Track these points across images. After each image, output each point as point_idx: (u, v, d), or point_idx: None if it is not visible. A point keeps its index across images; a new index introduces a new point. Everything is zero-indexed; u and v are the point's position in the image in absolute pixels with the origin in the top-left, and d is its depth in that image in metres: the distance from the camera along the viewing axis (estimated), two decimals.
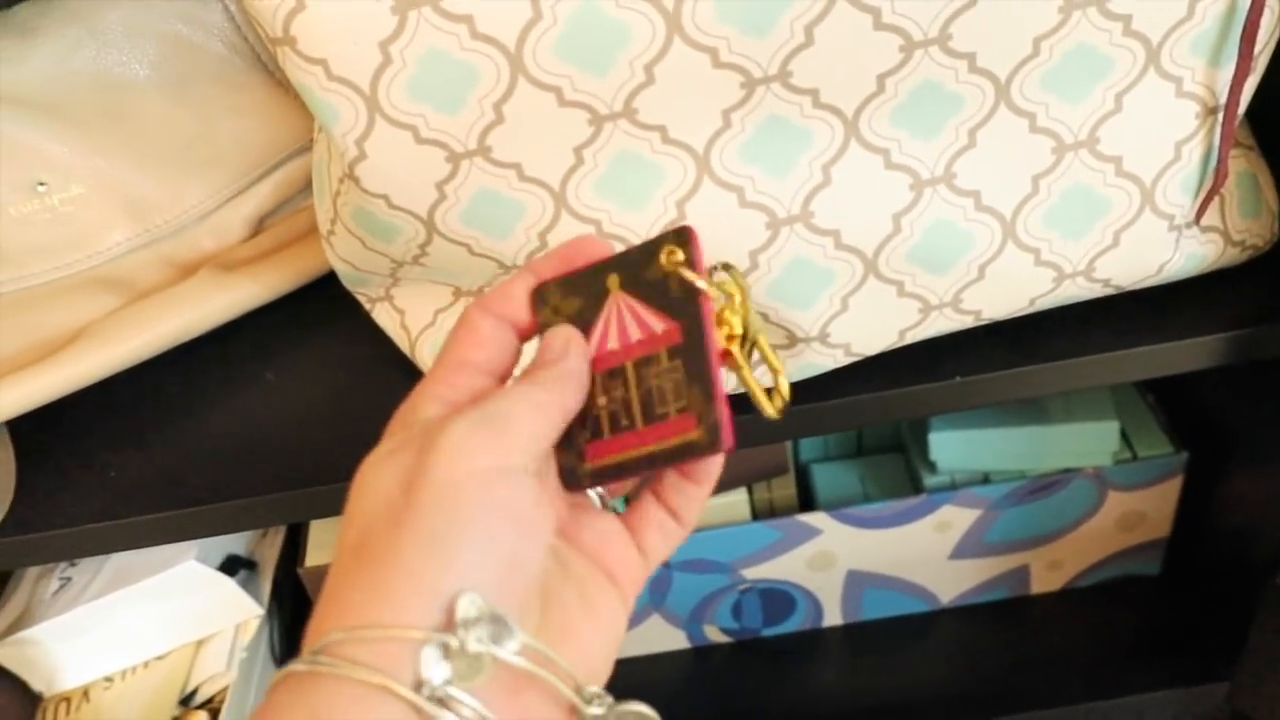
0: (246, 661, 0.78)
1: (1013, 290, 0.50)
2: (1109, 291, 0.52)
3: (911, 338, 0.52)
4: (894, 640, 0.80)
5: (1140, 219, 0.49)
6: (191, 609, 0.76)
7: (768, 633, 0.81)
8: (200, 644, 0.78)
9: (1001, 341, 0.55)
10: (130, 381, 0.64)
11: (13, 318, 0.65)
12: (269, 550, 0.82)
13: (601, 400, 0.37)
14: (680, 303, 0.35)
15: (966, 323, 0.52)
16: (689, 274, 0.35)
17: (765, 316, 0.50)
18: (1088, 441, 0.72)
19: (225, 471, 0.57)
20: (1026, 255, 0.49)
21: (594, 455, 0.37)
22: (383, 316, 0.61)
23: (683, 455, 0.35)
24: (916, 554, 0.77)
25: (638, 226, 0.47)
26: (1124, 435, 0.74)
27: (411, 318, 0.59)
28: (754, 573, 0.77)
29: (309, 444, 0.58)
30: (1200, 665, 0.72)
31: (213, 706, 0.75)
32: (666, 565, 0.75)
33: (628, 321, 0.37)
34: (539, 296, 0.38)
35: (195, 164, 0.67)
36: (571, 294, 0.38)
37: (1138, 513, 0.76)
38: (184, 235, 0.69)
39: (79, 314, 0.65)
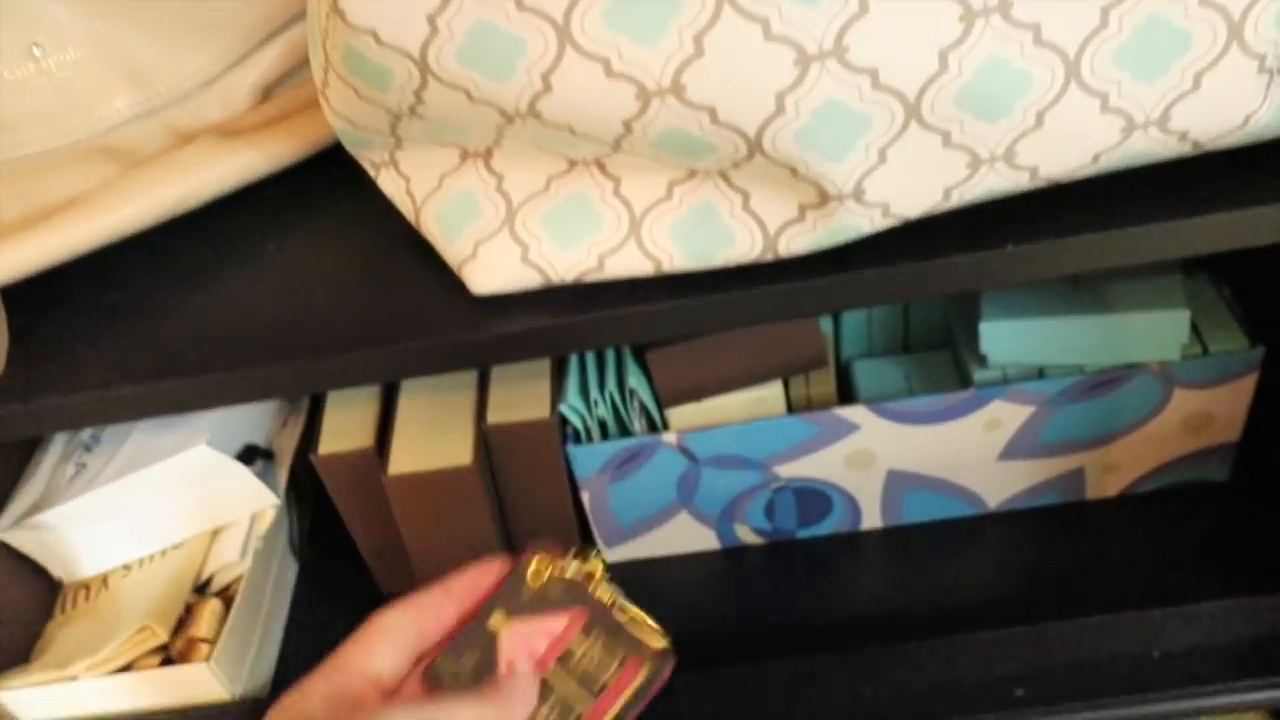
0: (263, 552, 0.77)
1: (1075, 143, 0.45)
2: (1185, 150, 0.46)
3: (958, 198, 0.47)
4: (936, 545, 0.75)
5: (1225, 58, 0.43)
6: (207, 497, 0.74)
7: (802, 534, 0.78)
8: (216, 533, 0.76)
9: (1060, 207, 0.49)
10: (128, 252, 0.61)
11: (10, 186, 0.62)
12: (287, 441, 0.80)
13: (543, 712, 0.43)
14: (568, 595, 0.45)
15: (1021, 182, 0.46)
16: (567, 570, 0.46)
17: (794, 171, 0.45)
18: (1155, 333, 0.66)
19: (227, 343, 0.54)
20: (1092, 100, 0.43)
21: None
22: (388, 184, 0.57)
23: (646, 692, 0.45)
24: (963, 454, 0.72)
25: (651, 64, 0.42)
26: (1194, 328, 0.68)
27: (417, 184, 0.55)
28: (788, 470, 0.73)
29: (313, 315, 0.55)
30: (1268, 575, 0.67)
31: (228, 595, 0.74)
32: (694, 460, 0.72)
33: (530, 640, 0.44)
34: (431, 676, 0.45)
35: (198, 27, 0.63)
36: (463, 654, 0.44)
37: (1205, 413, 0.70)
38: (188, 104, 0.65)
39: (80, 184, 0.62)
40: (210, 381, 0.53)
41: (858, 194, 0.45)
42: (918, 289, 0.50)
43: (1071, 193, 0.49)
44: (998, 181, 0.46)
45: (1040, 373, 0.69)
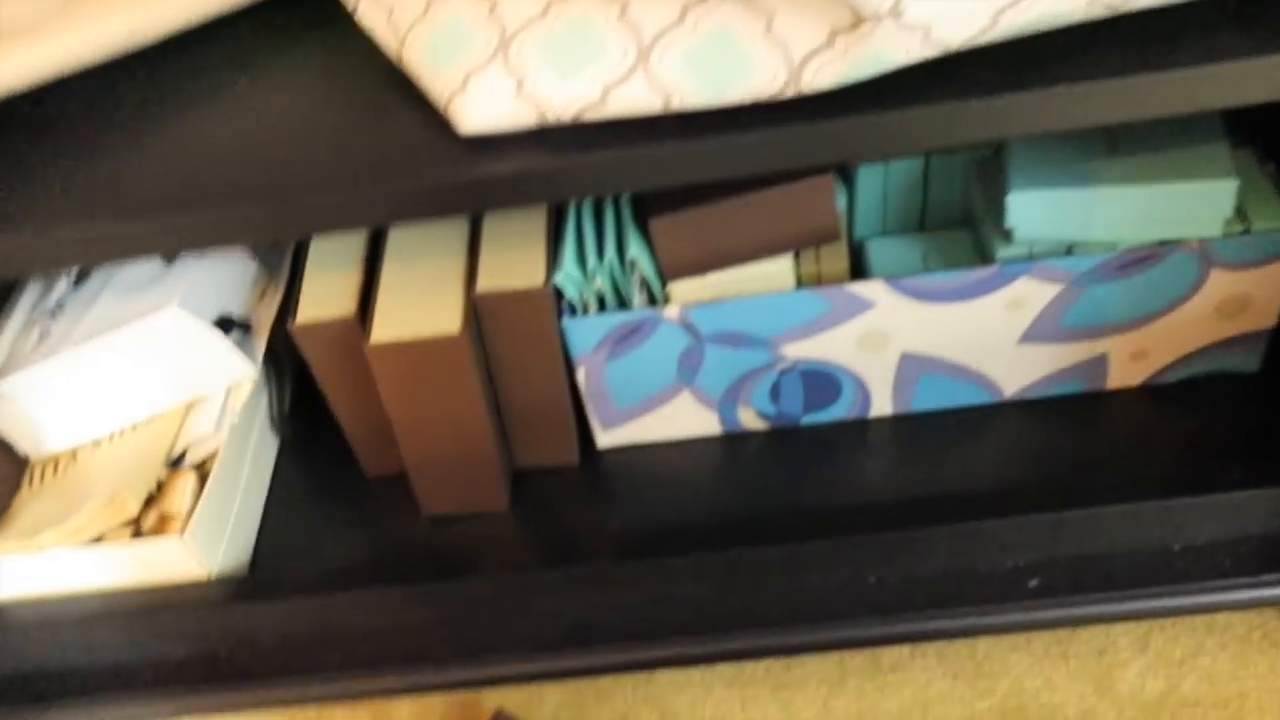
0: (240, 427, 0.73)
1: None
2: None
3: (1007, 24, 0.42)
4: (948, 434, 0.72)
5: None
6: (179, 367, 0.70)
7: (808, 420, 0.74)
8: (190, 406, 0.72)
9: (1119, 44, 0.44)
10: (80, 90, 0.56)
11: None
12: (264, 312, 0.75)
13: None
14: None
15: (1078, 8, 0.41)
16: None
17: None
18: (1197, 205, 0.61)
19: (195, 183, 0.49)
20: None
21: None
22: (368, 16, 0.52)
23: None
24: (982, 336, 0.68)
25: None
26: (1237, 204, 0.63)
27: (401, 13, 0.50)
28: (796, 350, 0.68)
29: (289, 156, 0.50)
30: None
31: (203, 471, 0.70)
32: (697, 336, 0.67)
33: None
34: None
35: None
36: None
37: (1242, 297, 0.66)
38: None
39: (21, 9, 0.56)
40: (177, 223, 0.49)
41: (896, 13, 0.40)
42: (950, 132, 0.45)
43: (1129, 27, 0.44)
44: (1052, 5, 0.41)
45: (1069, 250, 0.65)
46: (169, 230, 0.48)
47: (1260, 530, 0.64)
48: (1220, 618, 0.70)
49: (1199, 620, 0.70)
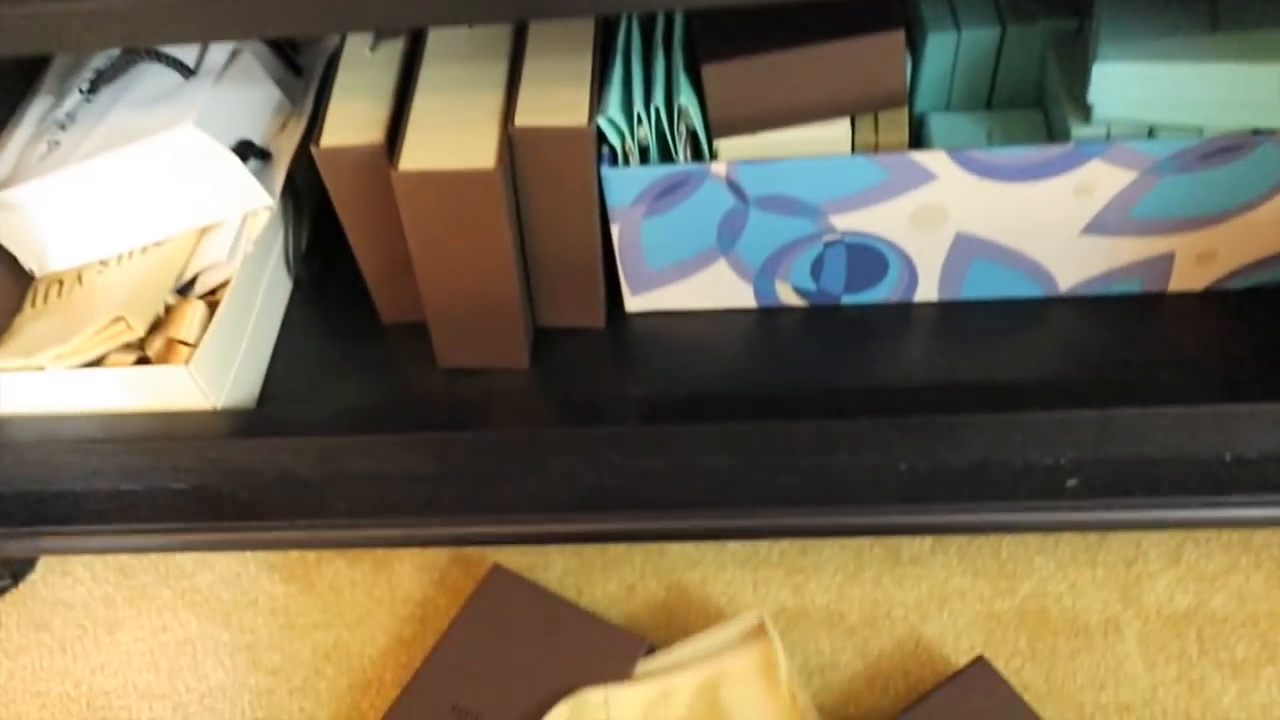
0: (254, 259, 0.69)
1: None
2: None
3: None
4: (995, 325, 0.68)
5: None
6: (193, 190, 0.66)
7: (848, 300, 0.70)
8: (204, 232, 0.69)
9: None
10: None
11: None
12: (285, 143, 0.71)
13: None
14: None
15: None
16: None
17: None
18: None
19: None
20: None
21: None
22: None
23: None
24: (1044, 222, 0.64)
25: None
26: None
27: None
28: (846, 222, 0.65)
29: None
30: None
31: (213, 301, 0.67)
32: (743, 197, 0.63)
33: None
34: None
35: None
36: None
37: None
38: None
39: None
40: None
41: None
42: None
43: None
44: None
45: (1150, 132, 0.60)
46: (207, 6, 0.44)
47: None
48: (1258, 535, 0.68)
49: (1235, 536, 0.68)
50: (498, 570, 0.70)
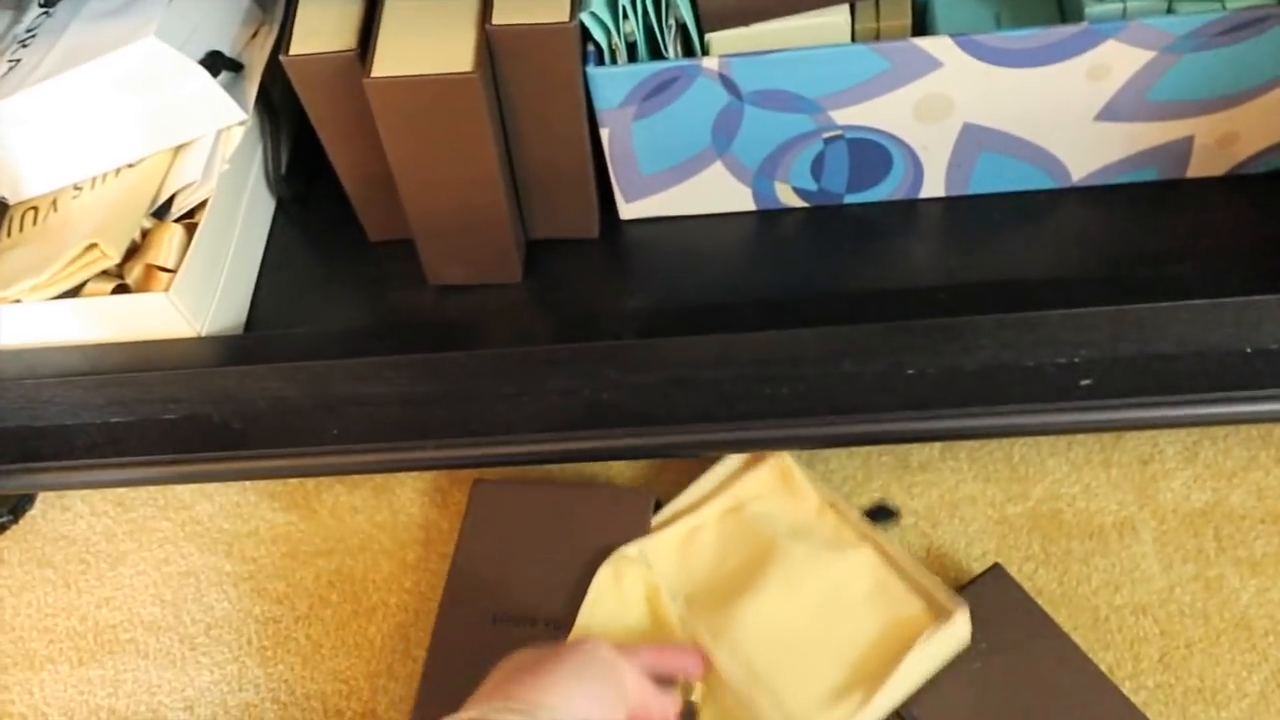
0: (231, 177, 0.67)
1: None
2: None
3: None
4: (1006, 220, 0.65)
5: None
6: (162, 107, 0.63)
7: (851, 200, 0.67)
8: (178, 151, 0.66)
9: None
10: None
11: None
12: (257, 54, 0.68)
13: None
14: None
15: None
16: None
17: None
18: None
19: None
20: None
21: None
22: None
23: None
24: (1055, 108, 0.61)
25: None
26: None
27: None
28: (846, 116, 0.61)
29: None
30: None
31: (192, 225, 0.65)
32: (737, 94, 0.60)
33: None
34: None
35: None
36: None
37: None
38: None
39: None
40: None
41: None
42: None
43: None
44: None
45: (1169, 8, 0.57)
46: None
47: None
48: (1278, 432, 0.66)
49: (1254, 432, 0.66)
50: (480, 484, 0.68)
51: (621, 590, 0.63)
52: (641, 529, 0.65)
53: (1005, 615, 0.59)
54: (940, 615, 0.58)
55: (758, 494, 0.65)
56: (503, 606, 0.63)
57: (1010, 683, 0.56)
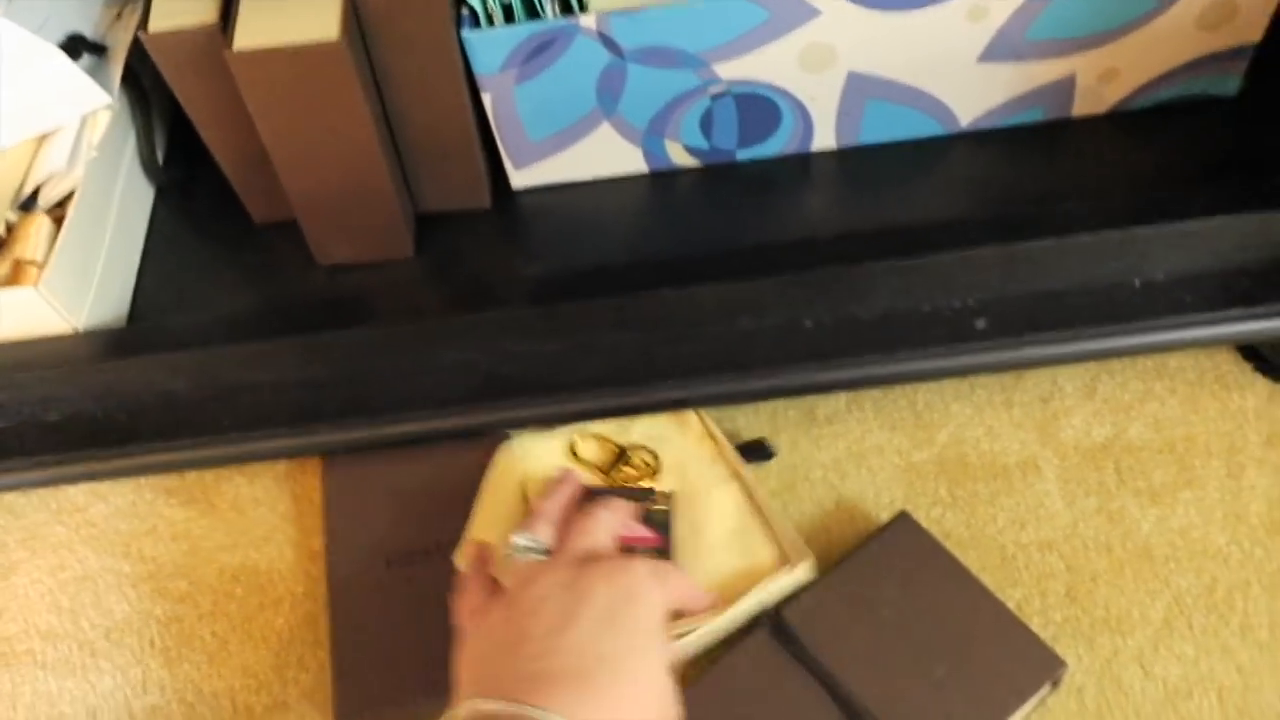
0: (101, 167, 0.64)
1: None
2: None
3: None
4: (897, 169, 0.65)
5: None
6: (20, 92, 0.60)
7: (743, 156, 0.67)
8: (42, 140, 0.63)
9: None
10: None
11: None
12: (121, 35, 0.65)
13: None
14: (659, 525, 0.60)
15: None
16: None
17: None
18: None
19: None
20: None
21: None
22: None
23: None
24: (938, 53, 0.60)
25: None
26: None
27: None
28: (730, 70, 0.61)
29: None
30: (1271, 192, 0.58)
31: (61, 213, 0.62)
32: (618, 52, 0.59)
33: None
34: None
35: None
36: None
37: (1228, 3, 0.59)
38: None
39: None
40: None
41: None
42: None
43: None
44: None
45: None
46: None
47: (1223, 264, 0.60)
48: (1172, 361, 0.67)
49: (1150, 364, 0.67)
50: (329, 462, 0.67)
51: (510, 476, 0.63)
52: (487, 458, 0.64)
53: (915, 562, 0.59)
54: (787, 563, 0.59)
55: (647, 420, 0.66)
56: (393, 549, 0.62)
57: (917, 624, 0.56)
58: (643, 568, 0.50)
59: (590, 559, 0.51)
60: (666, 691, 0.47)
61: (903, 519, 0.61)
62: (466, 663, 0.49)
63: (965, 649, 0.56)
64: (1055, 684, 0.56)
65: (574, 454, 0.64)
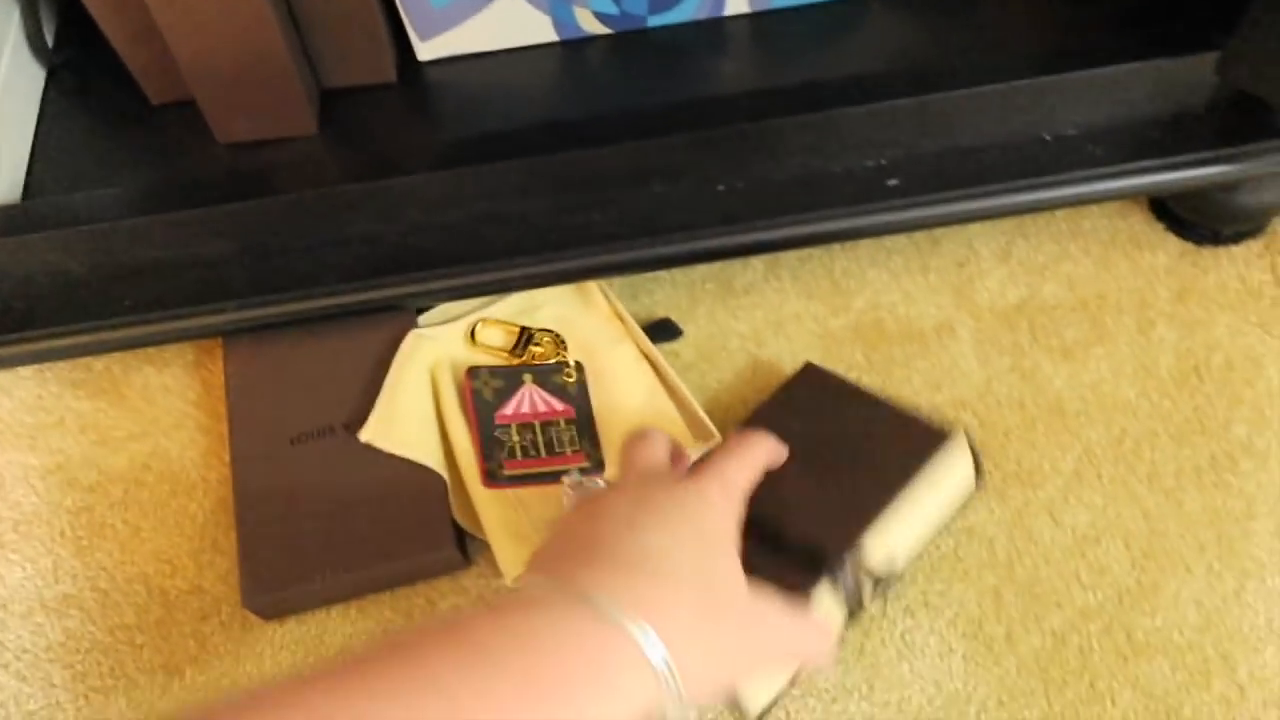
0: None
1: None
2: None
3: None
4: (810, 30, 0.64)
5: None
6: None
7: (655, 22, 0.65)
8: None
9: None
10: None
11: None
12: None
13: (516, 438, 0.60)
14: (573, 397, 0.62)
15: None
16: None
17: None
18: None
19: None
20: None
21: (511, 467, 0.59)
22: None
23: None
24: None
25: None
26: None
27: None
28: None
29: None
30: (1187, 35, 0.58)
31: None
32: None
33: (536, 401, 0.61)
34: (472, 373, 0.61)
35: None
36: (496, 378, 0.62)
37: None
38: None
39: None
40: None
41: None
42: None
43: None
44: None
45: None
46: None
47: (1133, 114, 0.60)
48: (1086, 222, 0.67)
49: (1064, 226, 0.67)
50: (229, 343, 0.65)
51: (417, 364, 0.62)
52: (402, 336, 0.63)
53: (818, 398, 0.57)
54: (700, 438, 0.60)
55: (553, 297, 0.65)
56: (296, 429, 0.61)
57: (822, 448, 0.55)
58: (712, 484, 0.46)
59: (655, 477, 0.48)
60: (740, 595, 0.43)
61: (807, 367, 0.60)
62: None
63: (860, 450, 0.55)
64: (979, 474, 0.56)
65: (473, 339, 0.64)
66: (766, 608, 0.44)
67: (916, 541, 0.55)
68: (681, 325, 0.66)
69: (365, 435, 0.59)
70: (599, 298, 0.65)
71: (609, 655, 0.38)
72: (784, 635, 0.45)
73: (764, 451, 0.50)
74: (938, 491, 0.55)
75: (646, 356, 0.63)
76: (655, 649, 0.38)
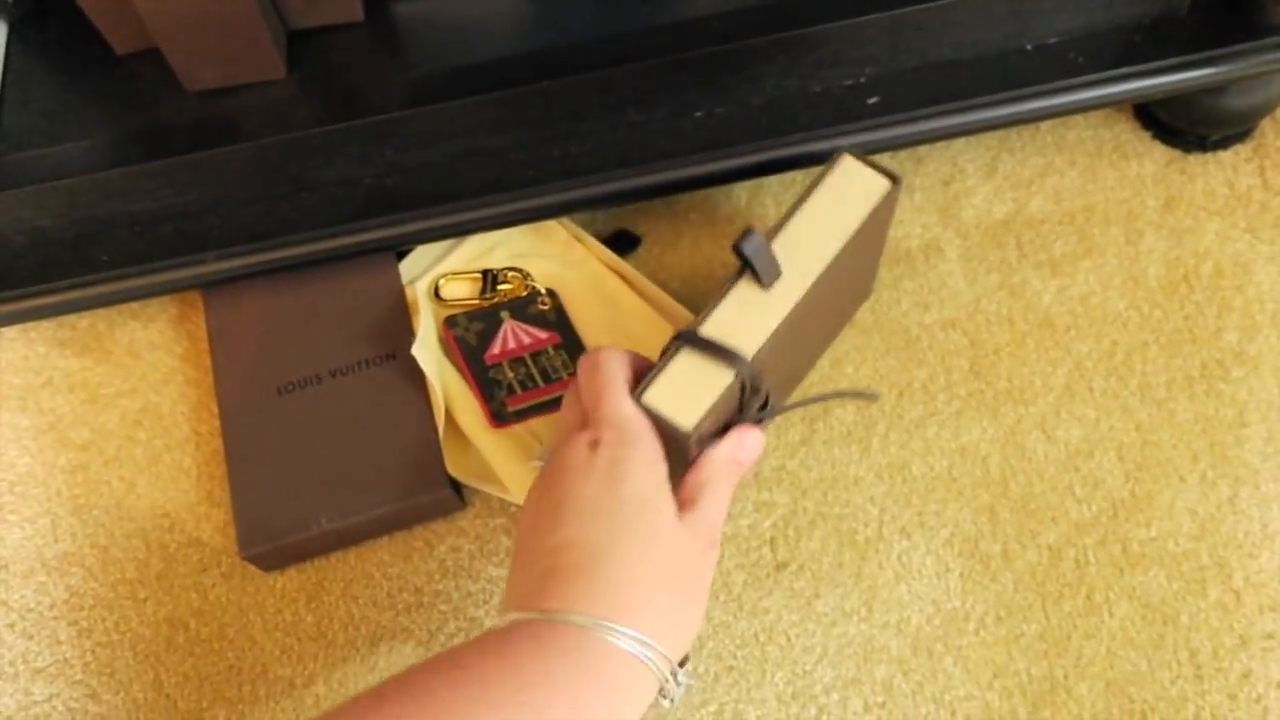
0: None
1: None
2: None
3: None
4: None
5: None
6: None
7: None
8: None
9: None
10: None
11: None
12: None
13: (511, 375, 0.61)
14: (554, 324, 0.62)
15: None
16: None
17: None
18: None
19: None
20: None
21: (513, 403, 0.60)
22: None
23: None
24: None
25: None
26: None
27: None
28: None
29: None
30: None
31: None
32: None
33: (520, 335, 0.62)
34: (450, 322, 0.62)
35: None
36: (475, 321, 0.62)
37: None
38: None
39: None
40: None
41: None
42: None
43: None
44: None
45: None
46: None
47: (1115, 19, 0.58)
48: (1071, 134, 0.66)
49: (1049, 139, 0.66)
50: (209, 295, 0.64)
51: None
52: (393, 281, 0.63)
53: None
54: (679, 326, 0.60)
55: (505, 237, 0.65)
56: (283, 378, 0.61)
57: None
58: (609, 434, 0.45)
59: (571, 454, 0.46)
60: (680, 544, 0.44)
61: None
62: (512, 566, 0.46)
63: None
64: (895, 181, 0.51)
65: (439, 297, 0.63)
66: (704, 529, 0.45)
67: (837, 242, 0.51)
68: (666, 258, 0.66)
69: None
70: (554, 226, 0.65)
71: (616, 674, 0.40)
72: (721, 515, 0.46)
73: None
74: (839, 198, 0.51)
75: (612, 269, 0.64)
76: (647, 650, 0.41)
